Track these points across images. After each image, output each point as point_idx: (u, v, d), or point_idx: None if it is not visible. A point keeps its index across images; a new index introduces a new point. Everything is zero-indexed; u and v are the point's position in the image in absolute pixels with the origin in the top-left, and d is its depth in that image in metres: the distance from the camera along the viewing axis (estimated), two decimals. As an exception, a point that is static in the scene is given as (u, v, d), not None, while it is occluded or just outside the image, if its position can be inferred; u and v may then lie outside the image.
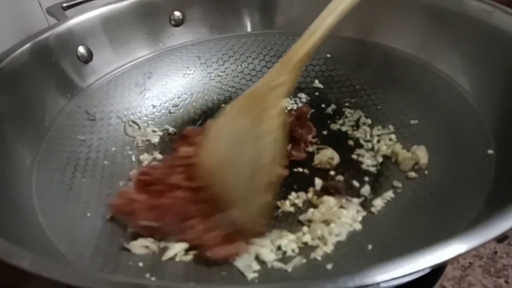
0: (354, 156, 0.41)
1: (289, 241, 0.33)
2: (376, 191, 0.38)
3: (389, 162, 0.40)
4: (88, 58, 0.45)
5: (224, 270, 0.31)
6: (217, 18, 0.52)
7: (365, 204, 0.36)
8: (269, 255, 0.32)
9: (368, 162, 0.40)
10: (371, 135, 0.43)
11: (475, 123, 0.36)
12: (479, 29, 0.39)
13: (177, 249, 0.33)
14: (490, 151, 0.33)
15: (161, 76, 0.50)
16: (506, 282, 0.35)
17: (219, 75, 0.52)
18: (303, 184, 0.39)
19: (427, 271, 0.20)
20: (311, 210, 0.36)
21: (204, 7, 0.52)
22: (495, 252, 0.37)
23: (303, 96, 0.50)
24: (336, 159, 0.41)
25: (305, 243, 0.33)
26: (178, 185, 0.34)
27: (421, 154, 0.38)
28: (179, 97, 0.50)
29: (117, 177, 0.40)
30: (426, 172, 0.37)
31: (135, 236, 0.34)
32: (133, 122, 0.46)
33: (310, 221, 0.35)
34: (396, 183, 0.38)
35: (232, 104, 0.36)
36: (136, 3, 0.48)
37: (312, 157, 0.41)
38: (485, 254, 0.37)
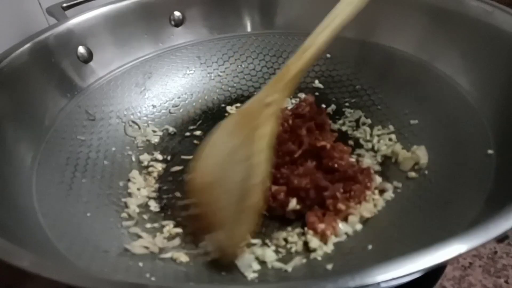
0: (354, 156, 0.41)
1: (289, 242, 0.33)
2: (376, 191, 0.37)
3: (389, 162, 0.40)
4: (88, 58, 0.45)
5: (224, 270, 0.31)
6: (217, 18, 0.52)
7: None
8: (269, 255, 0.32)
9: (368, 162, 0.40)
10: (371, 135, 0.43)
11: (475, 123, 0.36)
12: (479, 29, 0.39)
13: (176, 249, 0.33)
14: (490, 151, 0.33)
15: (161, 76, 0.50)
16: (506, 282, 0.35)
17: (219, 75, 0.52)
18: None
19: (427, 271, 0.20)
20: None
21: (204, 7, 0.52)
22: (495, 252, 0.37)
23: (303, 96, 0.50)
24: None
25: (305, 243, 0.33)
26: None
27: (421, 154, 0.38)
28: (179, 97, 0.50)
29: (117, 177, 0.40)
30: (426, 172, 0.37)
31: (135, 236, 0.34)
32: (133, 122, 0.46)
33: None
34: (396, 183, 0.38)
35: (225, 120, 0.36)
36: (136, 3, 0.48)
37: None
38: (485, 254, 0.37)
